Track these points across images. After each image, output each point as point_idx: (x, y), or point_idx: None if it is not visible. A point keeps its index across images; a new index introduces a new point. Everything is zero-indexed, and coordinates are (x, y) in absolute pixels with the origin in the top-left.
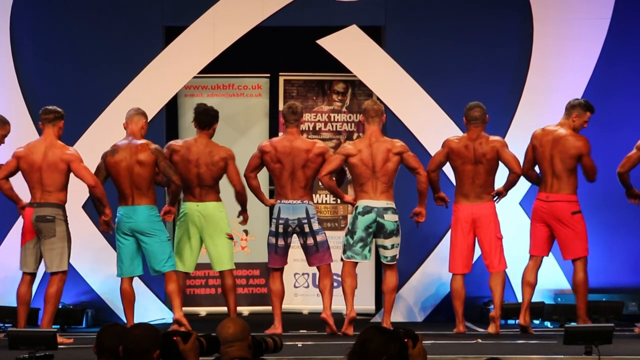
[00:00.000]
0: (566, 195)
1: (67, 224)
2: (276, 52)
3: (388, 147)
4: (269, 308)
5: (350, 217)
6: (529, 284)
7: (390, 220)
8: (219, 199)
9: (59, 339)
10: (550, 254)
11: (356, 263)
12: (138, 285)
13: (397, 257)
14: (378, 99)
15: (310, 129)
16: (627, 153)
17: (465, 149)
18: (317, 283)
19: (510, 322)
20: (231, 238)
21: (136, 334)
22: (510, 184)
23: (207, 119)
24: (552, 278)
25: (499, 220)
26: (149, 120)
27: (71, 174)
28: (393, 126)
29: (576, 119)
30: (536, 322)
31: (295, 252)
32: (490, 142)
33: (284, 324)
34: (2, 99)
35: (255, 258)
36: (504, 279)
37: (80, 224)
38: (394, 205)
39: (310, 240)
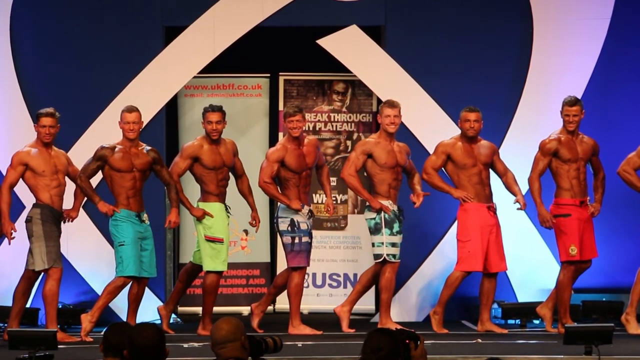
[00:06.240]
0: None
1: (44, 223)
2: (276, 52)
3: None
4: (269, 308)
5: None
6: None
7: (365, 217)
8: (200, 199)
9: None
10: (550, 254)
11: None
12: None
13: (382, 257)
14: (378, 99)
15: (310, 129)
16: (627, 153)
17: None
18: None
19: (511, 322)
20: (215, 241)
21: (145, 334)
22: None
23: None
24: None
25: (465, 222)
26: (148, 120)
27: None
28: None
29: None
30: (536, 322)
31: None
32: None
33: (282, 324)
34: (2, 99)
35: (255, 258)
36: (453, 280)
37: (81, 224)
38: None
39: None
